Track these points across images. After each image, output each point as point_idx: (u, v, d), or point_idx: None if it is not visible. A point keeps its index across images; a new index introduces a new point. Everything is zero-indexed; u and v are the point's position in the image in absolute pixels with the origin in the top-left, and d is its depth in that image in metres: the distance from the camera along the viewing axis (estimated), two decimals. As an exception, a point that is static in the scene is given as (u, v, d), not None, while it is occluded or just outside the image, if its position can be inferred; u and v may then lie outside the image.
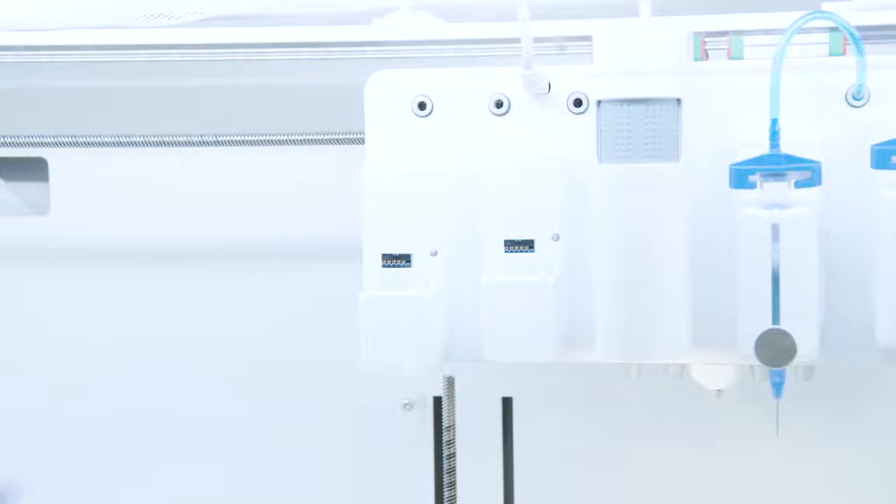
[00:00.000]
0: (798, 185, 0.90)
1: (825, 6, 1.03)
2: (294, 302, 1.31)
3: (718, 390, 1.08)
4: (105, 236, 1.38)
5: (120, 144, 1.29)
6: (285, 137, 1.26)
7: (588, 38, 0.97)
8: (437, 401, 1.15)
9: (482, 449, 1.18)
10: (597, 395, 1.27)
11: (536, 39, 0.97)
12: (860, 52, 0.93)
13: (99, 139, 1.30)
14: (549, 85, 0.99)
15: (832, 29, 0.96)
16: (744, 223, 0.92)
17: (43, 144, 1.31)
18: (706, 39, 0.99)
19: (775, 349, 0.90)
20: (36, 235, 1.39)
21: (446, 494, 0.98)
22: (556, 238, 0.97)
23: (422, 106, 1.01)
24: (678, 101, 0.94)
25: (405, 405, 1.33)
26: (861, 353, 0.96)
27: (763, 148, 0.91)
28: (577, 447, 1.32)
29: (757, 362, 0.91)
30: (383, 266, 0.96)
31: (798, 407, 1.05)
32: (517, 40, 0.96)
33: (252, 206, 1.36)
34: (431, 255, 0.97)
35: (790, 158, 0.90)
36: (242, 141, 1.27)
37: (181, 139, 1.27)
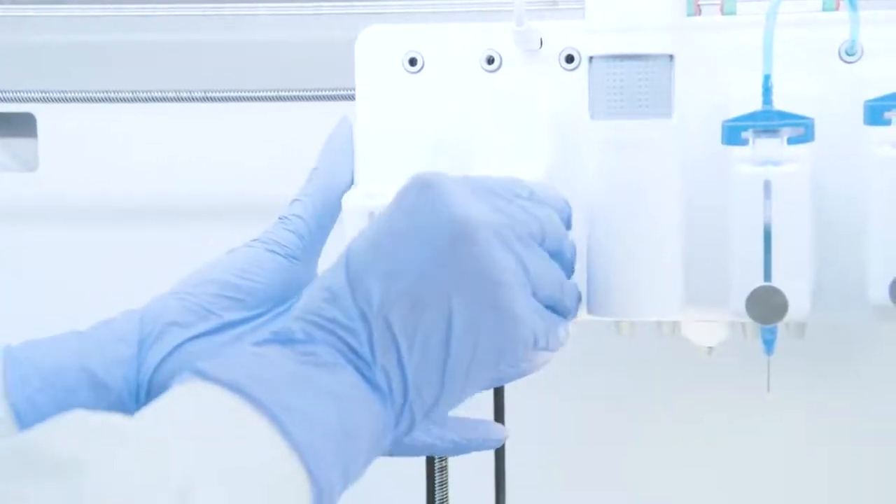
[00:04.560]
0: (791, 141, 0.90)
1: (819, -39, 1.02)
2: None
3: (710, 348, 1.08)
4: (95, 192, 1.37)
5: (109, 100, 1.28)
6: (275, 94, 1.25)
7: (580, -7, 0.96)
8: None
9: (473, 409, 1.18)
10: (587, 353, 1.27)
11: (528, -6, 0.96)
12: (854, 7, 0.92)
13: (88, 94, 1.28)
14: (541, 41, 0.98)
15: (826, -16, 0.95)
16: (736, 180, 0.92)
17: (31, 100, 1.30)
18: (699, -6, 0.98)
19: (766, 306, 0.90)
20: (24, 192, 1.38)
21: (437, 465, 0.98)
22: (548, 195, 0.96)
23: (413, 62, 1.00)
24: (671, 57, 0.93)
25: None
26: (853, 310, 0.96)
27: (756, 104, 0.90)
28: (570, 410, 1.32)
29: (748, 319, 0.91)
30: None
31: (791, 366, 1.05)
32: (509, -5, 0.95)
33: (243, 163, 1.35)
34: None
35: (783, 115, 0.89)
36: (231, 97, 1.26)
37: (170, 95, 1.26)
